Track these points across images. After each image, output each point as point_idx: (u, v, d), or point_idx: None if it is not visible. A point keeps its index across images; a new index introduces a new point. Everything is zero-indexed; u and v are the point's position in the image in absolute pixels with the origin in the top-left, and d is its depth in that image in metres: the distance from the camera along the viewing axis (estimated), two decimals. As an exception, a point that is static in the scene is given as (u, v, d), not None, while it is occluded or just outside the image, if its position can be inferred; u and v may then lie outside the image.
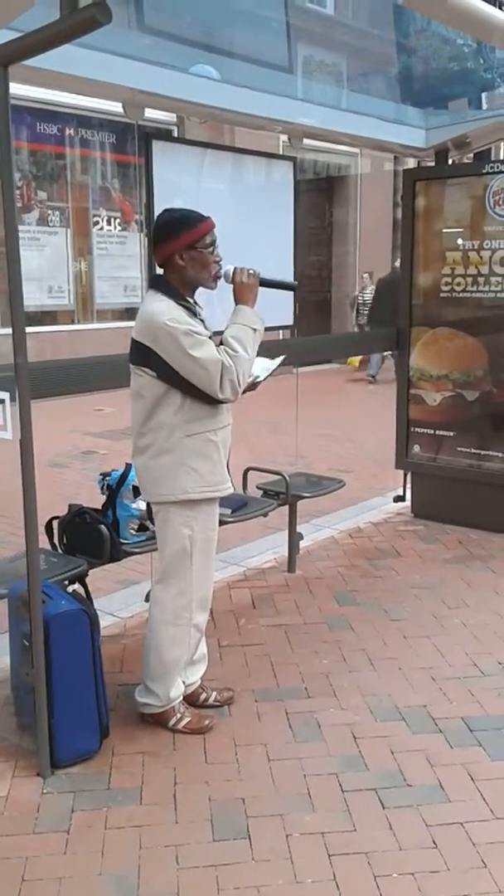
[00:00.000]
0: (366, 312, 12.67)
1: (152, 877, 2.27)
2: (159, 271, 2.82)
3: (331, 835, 2.43)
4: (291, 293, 2.91)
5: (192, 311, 2.77)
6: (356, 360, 13.07)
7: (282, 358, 3.17)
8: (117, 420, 7.42)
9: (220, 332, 2.81)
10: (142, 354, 2.71)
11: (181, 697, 3.00)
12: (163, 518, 2.85)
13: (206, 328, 2.80)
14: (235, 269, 2.83)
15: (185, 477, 2.76)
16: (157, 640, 2.92)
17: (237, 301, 2.84)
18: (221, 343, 2.75)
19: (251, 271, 2.84)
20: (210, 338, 2.73)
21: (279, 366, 3.13)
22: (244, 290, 2.83)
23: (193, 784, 2.68)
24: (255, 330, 2.79)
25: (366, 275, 13.31)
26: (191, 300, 2.81)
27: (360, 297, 13.22)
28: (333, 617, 3.93)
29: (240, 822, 2.48)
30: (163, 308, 2.69)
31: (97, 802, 2.59)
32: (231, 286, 2.85)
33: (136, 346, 2.73)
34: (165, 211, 2.85)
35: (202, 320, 2.82)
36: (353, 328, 13.36)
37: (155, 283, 2.80)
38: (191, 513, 2.82)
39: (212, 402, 2.74)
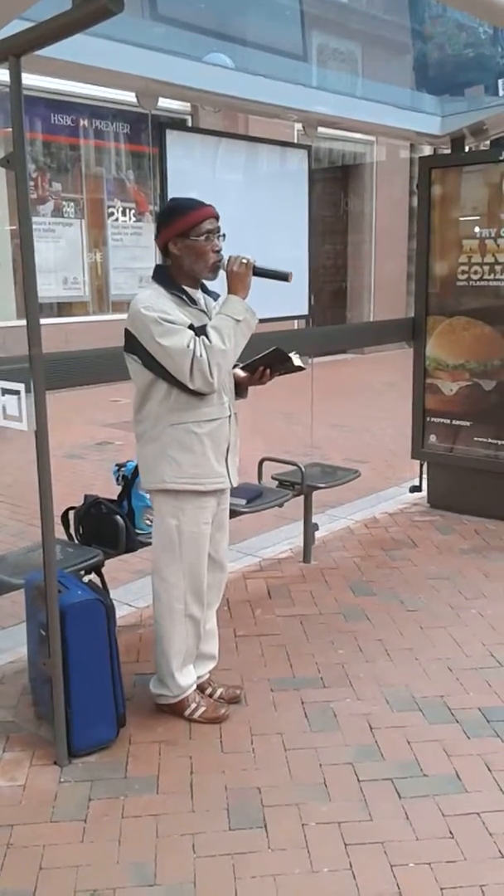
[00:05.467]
0: None
1: (169, 865, 2.28)
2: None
3: (347, 824, 2.43)
4: (285, 282, 2.84)
5: (187, 301, 2.74)
6: None
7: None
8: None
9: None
10: (129, 342, 2.74)
11: (194, 686, 3.01)
12: (154, 507, 2.90)
13: (210, 318, 2.76)
14: (229, 257, 2.75)
15: (166, 466, 2.77)
16: (157, 632, 2.94)
17: (228, 290, 2.77)
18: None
19: (244, 260, 2.75)
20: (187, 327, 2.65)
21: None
22: (234, 279, 2.75)
23: (209, 773, 2.69)
24: (237, 321, 2.69)
25: None
26: (188, 289, 2.76)
27: None
28: (349, 607, 3.93)
29: (256, 812, 2.49)
30: (146, 296, 2.69)
31: (114, 791, 2.60)
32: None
33: (126, 333, 2.74)
34: (170, 199, 2.85)
35: (203, 311, 2.78)
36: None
37: (154, 272, 2.81)
38: (176, 503, 2.81)
39: (195, 392, 2.70)
